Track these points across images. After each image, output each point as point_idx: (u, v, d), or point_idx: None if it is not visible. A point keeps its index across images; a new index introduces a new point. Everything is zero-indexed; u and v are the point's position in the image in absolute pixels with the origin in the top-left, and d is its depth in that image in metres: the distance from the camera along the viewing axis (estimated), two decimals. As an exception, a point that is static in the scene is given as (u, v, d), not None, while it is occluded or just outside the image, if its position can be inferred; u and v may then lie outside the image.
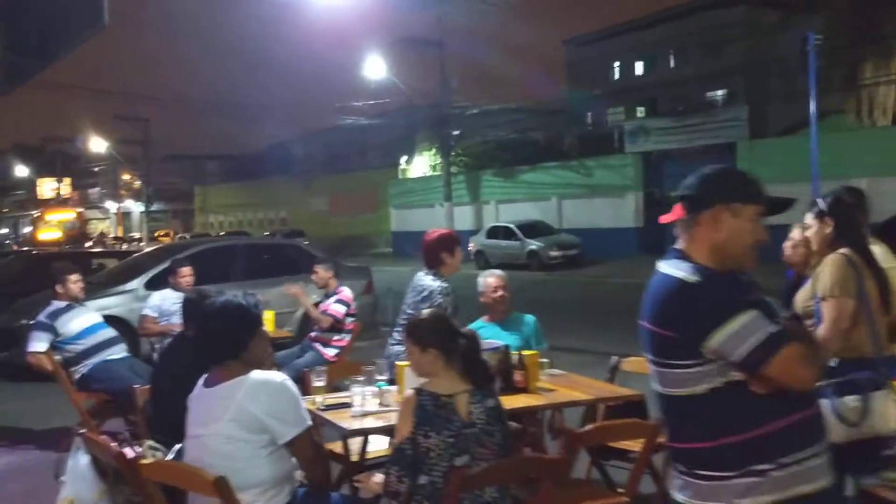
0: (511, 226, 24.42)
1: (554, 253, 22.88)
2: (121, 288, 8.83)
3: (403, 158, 37.08)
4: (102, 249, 14.89)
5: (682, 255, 2.07)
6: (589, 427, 3.25)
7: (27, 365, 6.41)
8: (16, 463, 5.35)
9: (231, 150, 58.34)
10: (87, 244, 34.04)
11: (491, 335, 4.13)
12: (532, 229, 24.12)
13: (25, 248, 25.74)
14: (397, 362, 3.64)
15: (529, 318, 4.48)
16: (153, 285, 8.89)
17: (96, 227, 46.91)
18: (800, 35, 18.95)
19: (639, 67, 38.42)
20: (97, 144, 41.84)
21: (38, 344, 5.48)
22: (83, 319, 5.70)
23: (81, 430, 2.93)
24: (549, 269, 22.16)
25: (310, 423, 2.69)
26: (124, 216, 54.80)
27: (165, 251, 10.16)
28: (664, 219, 2.19)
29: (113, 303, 8.51)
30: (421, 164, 36.18)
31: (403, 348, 4.33)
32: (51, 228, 36.55)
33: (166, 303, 6.48)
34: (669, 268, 2.06)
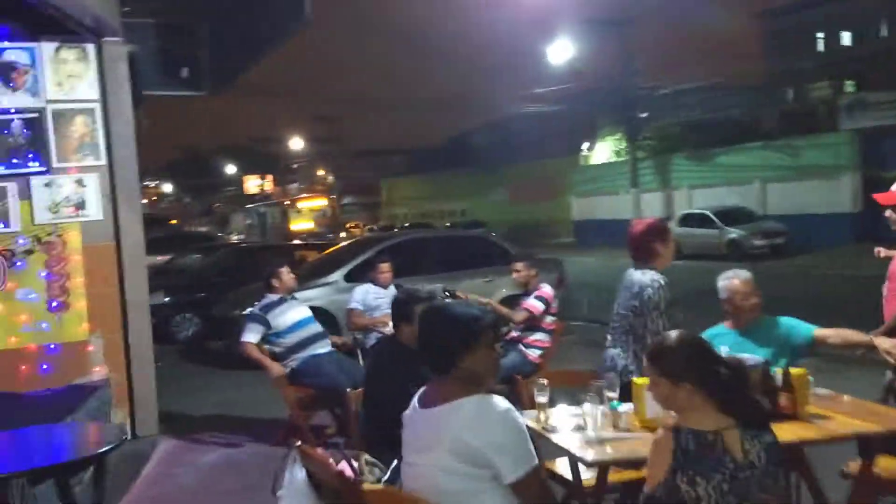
0: (707, 212, 22.72)
1: (758, 241, 20.95)
2: (322, 280, 9.04)
3: (585, 145, 36.04)
4: (302, 242, 15.64)
5: None
6: None
7: (241, 354, 6.65)
8: (232, 456, 5.47)
9: (415, 144, 60.04)
10: (341, 234, 33.31)
11: (735, 346, 3.53)
12: (731, 216, 22.27)
13: (268, 241, 26.21)
14: (634, 379, 3.16)
15: (785, 322, 3.77)
16: (352, 277, 9.05)
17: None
18: None
19: (846, 38, 34.55)
20: (296, 143, 44.69)
21: (251, 335, 5.59)
22: (294, 313, 5.75)
23: (297, 443, 2.73)
24: (752, 259, 20.36)
25: (536, 461, 2.29)
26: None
27: (361, 245, 10.31)
28: (883, 199, 1.62)
29: (315, 294, 8.73)
30: (604, 150, 34.97)
31: (620, 352, 3.96)
32: (303, 218, 34.74)
33: (369, 297, 6.48)
34: None
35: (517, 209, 39.60)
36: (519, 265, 5.89)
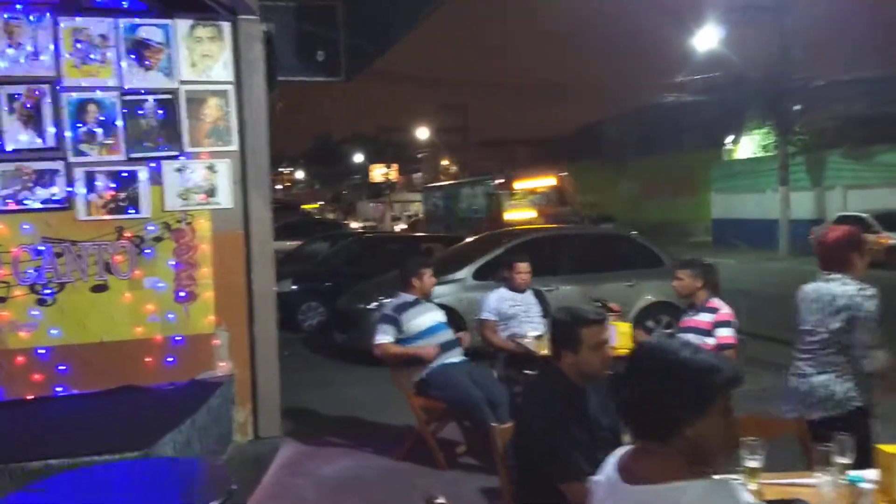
0: (865, 215, 20.59)
1: (923, 249, 18.76)
2: (450, 276, 8.51)
3: (729, 138, 33.79)
4: (428, 234, 15.24)
5: None
6: None
7: (365, 349, 6.22)
8: (354, 469, 5.05)
9: (542, 134, 58.92)
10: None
11: None
12: (892, 220, 20.11)
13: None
14: (881, 447, 2.39)
15: None
16: (481, 275, 8.51)
17: (419, 209, 50.34)
18: None
19: None
20: (422, 132, 44.81)
21: (384, 336, 5.14)
22: (427, 318, 5.25)
23: (438, 501, 2.17)
24: (917, 268, 18.22)
25: None
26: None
27: (491, 240, 9.72)
28: None
29: (442, 291, 8.23)
30: (749, 145, 32.63)
31: (832, 378, 3.23)
32: (522, 204, 21.96)
33: (503, 304, 5.82)
34: None
35: (650, 204, 37.82)
36: (683, 273, 5.09)
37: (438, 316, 5.34)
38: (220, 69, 5.45)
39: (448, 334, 5.25)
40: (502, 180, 23.04)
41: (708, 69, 25.53)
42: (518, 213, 21.34)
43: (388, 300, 5.85)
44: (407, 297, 5.33)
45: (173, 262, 5.37)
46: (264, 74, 5.66)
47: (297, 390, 6.63)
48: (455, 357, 5.19)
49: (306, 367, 8.47)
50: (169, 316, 5.38)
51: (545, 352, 5.16)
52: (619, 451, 1.86)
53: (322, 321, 10.89)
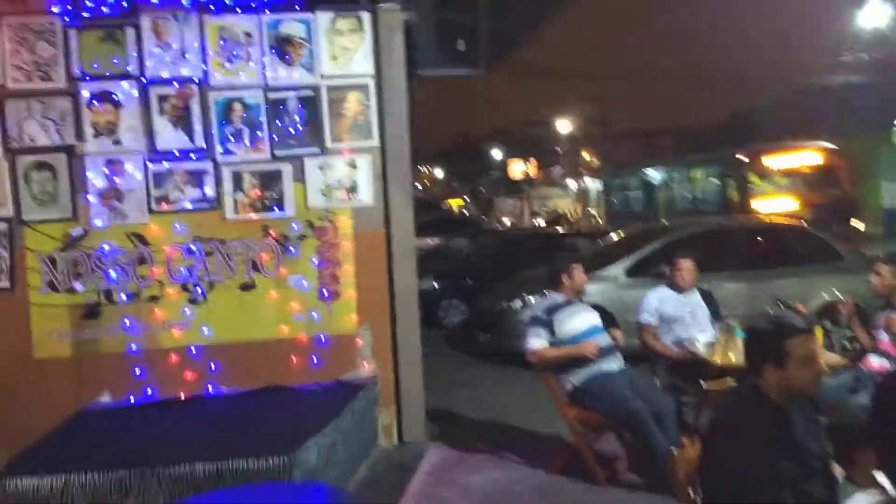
0: None
1: None
2: (600, 273, 7.99)
3: (900, 121, 30.60)
4: (569, 231, 14.65)
5: None
6: None
7: (509, 349, 5.90)
8: (504, 482, 4.73)
9: (688, 123, 56.28)
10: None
11: None
12: None
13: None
14: None
15: None
16: (636, 271, 7.95)
17: (556, 205, 49.59)
18: None
19: None
20: (561, 126, 43.95)
21: (537, 340, 4.78)
22: (581, 319, 4.84)
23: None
24: None
25: None
26: (583, 193, 57.07)
27: (647, 234, 9.09)
28: None
29: (592, 290, 7.72)
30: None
31: None
32: (775, 191, 15.86)
33: (666, 306, 5.29)
34: None
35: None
36: (884, 269, 4.37)
37: (593, 318, 4.91)
38: (360, 62, 5.30)
39: (605, 339, 4.81)
40: (746, 157, 16.88)
41: (874, 48, 23.16)
42: (770, 201, 15.60)
43: (537, 300, 5.48)
44: (557, 297, 4.95)
45: (317, 261, 5.28)
46: (404, 65, 5.45)
47: (440, 391, 6.41)
48: (613, 364, 4.75)
49: (449, 366, 8.26)
50: (313, 314, 5.29)
51: (718, 360, 4.63)
52: None
53: (463, 319, 10.69)
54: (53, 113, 4.95)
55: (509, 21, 7.89)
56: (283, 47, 5.20)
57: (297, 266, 5.26)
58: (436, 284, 10.91)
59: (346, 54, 5.28)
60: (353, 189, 5.29)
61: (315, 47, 5.23)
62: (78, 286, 5.01)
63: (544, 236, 13.86)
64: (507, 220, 40.17)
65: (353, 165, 5.30)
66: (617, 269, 8.08)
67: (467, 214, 34.21)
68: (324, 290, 5.29)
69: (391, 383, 5.40)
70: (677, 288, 5.34)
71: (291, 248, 5.24)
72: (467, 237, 15.30)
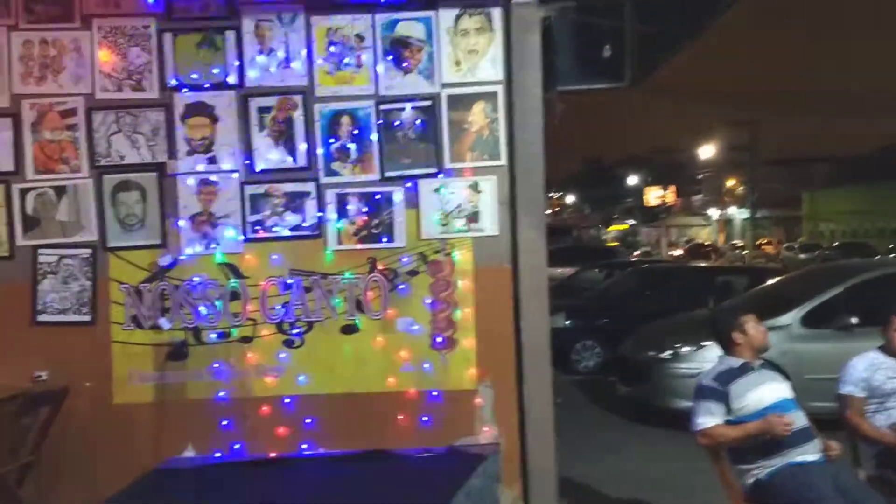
0: None
1: None
2: (769, 322, 6.67)
3: None
4: (725, 264, 13.10)
5: None
6: None
7: (657, 406, 4.77)
8: None
9: (845, 151, 52.01)
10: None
11: None
12: None
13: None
14: None
15: None
16: (814, 320, 6.61)
17: (697, 235, 46.89)
18: None
19: None
20: (704, 152, 41.62)
21: (709, 418, 3.69)
22: (766, 390, 3.70)
23: None
24: None
25: None
26: (725, 223, 53.87)
27: (822, 274, 7.67)
28: None
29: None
30: None
31: None
32: None
33: (878, 375, 4.04)
34: None
35: None
36: None
37: (783, 389, 3.76)
38: (488, 67, 4.46)
39: (800, 417, 3.65)
40: None
41: None
42: None
43: (691, 353, 4.37)
44: (731, 360, 3.83)
45: (429, 301, 4.45)
46: (540, 70, 4.56)
47: (573, 455, 5.38)
48: (811, 452, 3.57)
49: (584, 422, 7.21)
50: (424, 366, 4.45)
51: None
52: None
53: (599, 363, 9.57)
54: (144, 127, 4.42)
55: (650, 34, 6.88)
56: (399, 51, 4.45)
57: (408, 307, 4.45)
58: (568, 323, 9.86)
59: (471, 58, 4.46)
60: (474, 216, 4.43)
61: (435, 50, 4.45)
62: (164, 323, 4.43)
63: (691, 271, 12.46)
64: (642, 250, 38.18)
65: (475, 188, 4.44)
66: (790, 318, 6.76)
67: (600, 243, 32.67)
68: (437, 337, 4.44)
69: (516, 454, 4.44)
70: (894, 353, 4.08)
71: (401, 285, 4.44)
72: (602, 269, 14.12)
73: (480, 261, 4.43)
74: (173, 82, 4.42)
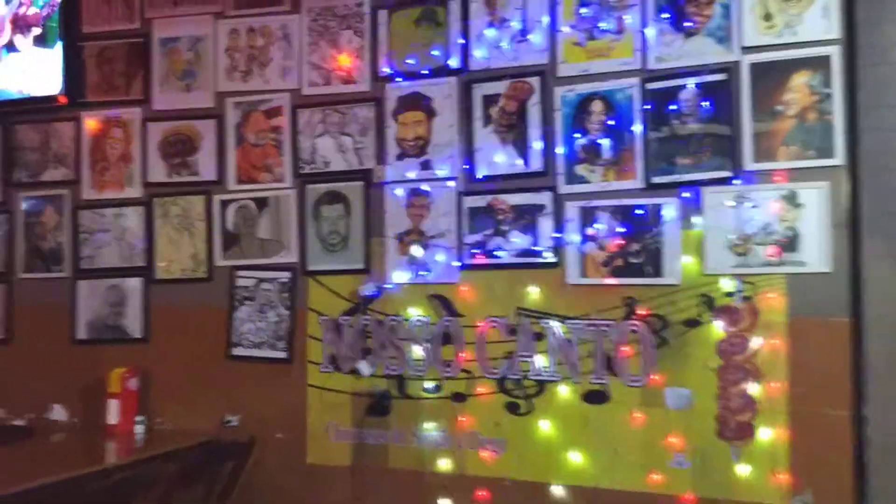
0: None
1: None
2: None
3: None
4: None
5: None
6: None
7: None
8: None
9: None
10: None
11: None
12: None
13: None
14: None
15: None
16: None
17: None
18: None
19: None
20: None
21: None
22: None
23: None
24: None
25: None
26: None
27: None
28: None
29: None
30: None
31: None
32: None
33: None
34: None
35: None
36: None
37: None
38: (816, 20, 2.98)
39: None
40: None
41: None
42: None
43: None
44: None
45: (717, 366, 3.03)
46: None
47: None
48: None
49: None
50: (706, 461, 3.03)
51: None
52: None
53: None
54: (352, 126, 3.64)
55: None
56: (679, 8, 3.16)
57: (683, 372, 3.07)
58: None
59: (789, 8, 3.01)
60: (790, 243, 2.94)
61: (734, 3, 3.08)
62: (363, 367, 3.56)
63: None
64: None
65: (792, 201, 2.96)
66: None
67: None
68: (727, 419, 3.00)
69: None
70: None
71: (672, 339, 3.08)
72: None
73: (799, 309, 2.92)
74: (387, 70, 3.58)
